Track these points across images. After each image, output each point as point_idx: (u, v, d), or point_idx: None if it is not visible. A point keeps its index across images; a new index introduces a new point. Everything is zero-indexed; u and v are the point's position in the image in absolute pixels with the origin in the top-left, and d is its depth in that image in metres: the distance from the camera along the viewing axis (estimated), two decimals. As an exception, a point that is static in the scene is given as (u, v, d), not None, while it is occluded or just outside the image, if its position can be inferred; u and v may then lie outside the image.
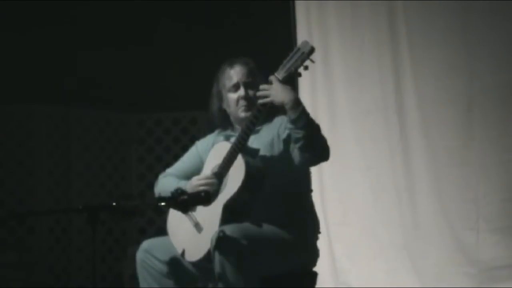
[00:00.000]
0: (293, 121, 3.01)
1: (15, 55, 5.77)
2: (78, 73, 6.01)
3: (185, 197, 2.87)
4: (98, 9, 5.94)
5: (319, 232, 3.31)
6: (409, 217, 4.87)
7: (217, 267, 2.98)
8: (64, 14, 5.97)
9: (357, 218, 5.07)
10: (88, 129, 6.23)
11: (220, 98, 3.34)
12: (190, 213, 3.16)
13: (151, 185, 3.59)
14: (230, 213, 3.11)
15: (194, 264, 3.18)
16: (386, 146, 4.99)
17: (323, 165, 4.78)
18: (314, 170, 3.46)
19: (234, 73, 3.29)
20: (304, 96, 5.24)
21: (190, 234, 3.20)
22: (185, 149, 3.57)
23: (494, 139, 4.61)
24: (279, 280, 3.16)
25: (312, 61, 3.04)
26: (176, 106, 6.23)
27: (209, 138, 3.44)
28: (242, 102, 3.26)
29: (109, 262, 6.18)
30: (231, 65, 3.32)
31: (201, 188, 3.12)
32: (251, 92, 3.25)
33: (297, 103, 3.03)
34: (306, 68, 3.06)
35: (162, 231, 3.39)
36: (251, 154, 3.18)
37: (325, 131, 3.13)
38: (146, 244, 3.26)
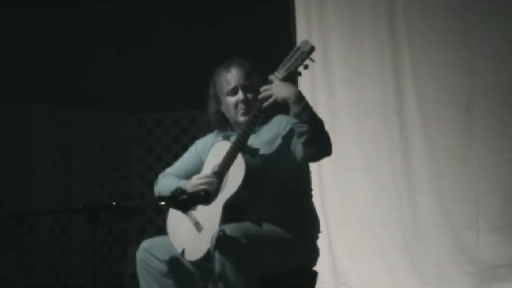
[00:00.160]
0: (296, 115, 3.01)
1: (15, 55, 5.78)
2: (78, 73, 6.01)
3: (185, 196, 2.87)
4: (98, 10, 5.95)
5: (319, 232, 3.31)
6: (409, 217, 4.87)
7: (217, 267, 2.98)
8: (64, 15, 5.98)
9: (357, 218, 5.07)
10: (88, 129, 6.24)
11: (218, 102, 3.34)
12: (190, 212, 3.16)
13: (151, 185, 3.59)
14: (230, 213, 3.11)
15: (194, 263, 3.18)
16: (386, 146, 4.99)
17: (323, 165, 4.81)
18: (314, 170, 3.47)
19: (232, 77, 3.29)
20: (304, 96, 5.24)
21: (190, 234, 3.20)
22: (185, 149, 3.57)
23: (494, 138, 4.61)
24: (279, 279, 3.16)
25: (312, 60, 3.05)
26: (176, 106, 6.23)
27: (209, 137, 3.44)
28: (241, 106, 3.26)
29: (109, 262, 6.18)
30: (228, 68, 3.31)
31: (201, 187, 3.12)
32: (249, 96, 3.26)
33: (300, 97, 3.03)
34: (306, 67, 3.06)
35: (162, 230, 3.39)
36: (251, 154, 3.18)
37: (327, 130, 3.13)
38: (146, 243, 3.26)
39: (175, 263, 3.20)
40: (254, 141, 3.23)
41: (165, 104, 6.23)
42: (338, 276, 5.07)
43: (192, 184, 3.18)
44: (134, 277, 3.57)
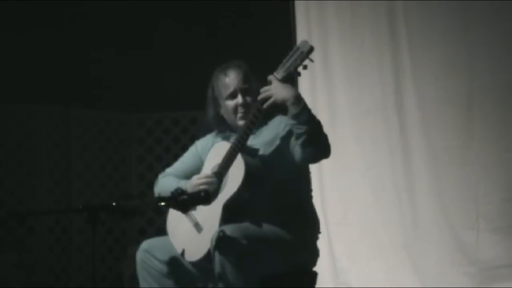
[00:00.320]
0: (295, 117, 3.01)
1: (15, 55, 5.77)
2: (78, 73, 6.01)
3: (185, 197, 2.87)
4: (98, 10, 5.95)
5: (319, 232, 3.31)
6: (409, 217, 4.87)
7: (217, 267, 2.98)
8: (64, 15, 5.98)
9: (357, 218, 5.07)
10: (88, 129, 6.24)
11: (217, 105, 3.34)
12: (189, 213, 3.16)
13: (151, 185, 3.59)
14: (230, 213, 3.11)
15: (194, 264, 3.18)
16: (386, 146, 4.99)
17: (323, 165, 4.81)
18: (314, 170, 3.46)
19: (230, 81, 3.29)
20: (304, 96, 5.12)
21: (190, 234, 3.20)
22: (185, 149, 3.57)
23: (494, 139, 4.61)
24: (279, 280, 3.16)
25: (311, 60, 3.04)
26: (176, 106, 6.23)
27: (209, 137, 3.44)
28: (241, 110, 3.26)
29: (109, 262, 6.18)
30: (225, 71, 3.31)
31: (201, 187, 3.12)
32: (248, 99, 3.26)
33: (298, 99, 3.03)
34: (305, 67, 3.06)
35: (162, 231, 3.39)
36: (250, 154, 3.19)
37: (325, 131, 3.13)
38: (146, 244, 3.26)
39: (175, 264, 3.20)
40: (253, 141, 3.23)
41: (165, 104, 6.23)
42: (338, 276, 5.07)
43: (192, 184, 3.18)
44: (134, 277, 3.57)
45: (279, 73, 3.07)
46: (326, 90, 5.23)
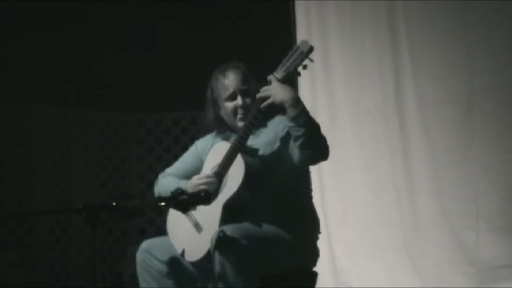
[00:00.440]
0: (293, 119, 3.01)
1: (15, 55, 5.77)
2: (78, 73, 6.01)
3: (185, 197, 2.87)
4: (98, 9, 5.95)
5: (319, 232, 3.31)
6: (409, 217, 4.87)
7: (217, 267, 2.98)
8: (64, 15, 5.97)
9: (357, 218, 5.07)
10: (88, 129, 6.24)
11: (216, 106, 3.34)
12: (189, 213, 3.16)
13: (151, 185, 3.59)
14: (229, 213, 3.11)
15: (194, 264, 3.18)
16: (386, 146, 4.99)
17: (323, 165, 4.79)
18: (314, 170, 3.46)
19: (229, 82, 3.28)
20: (304, 96, 5.23)
21: (190, 234, 3.20)
22: (185, 149, 3.57)
23: (494, 139, 4.61)
24: (279, 280, 3.16)
25: (311, 60, 3.04)
26: (176, 106, 6.23)
27: (209, 137, 3.44)
28: (240, 111, 3.26)
29: (109, 262, 6.18)
30: (224, 73, 3.30)
31: (201, 187, 3.12)
32: (248, 100, 3.26)
33: (297, 101, 3.02)
34: (305, 67, 3.06)
35: (162, 231, 3.39)
36: (250, 154, 3.19)
37: (325, 131, 3.12)
38: (146, 244, 3.26)
39: (175, 264, 3.20)
40: (253, 141, 3.23)
41: (165, 104, 6.23)
42: (338, 276, 5.07)
43: (192, 184, 3.18)
44: (134, 277, 3.57)
45: (279, 73, 3.07)
46: (326, 90, 5.23)
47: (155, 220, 6.21)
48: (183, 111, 6.33)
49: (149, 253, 3.22)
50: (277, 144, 3.21)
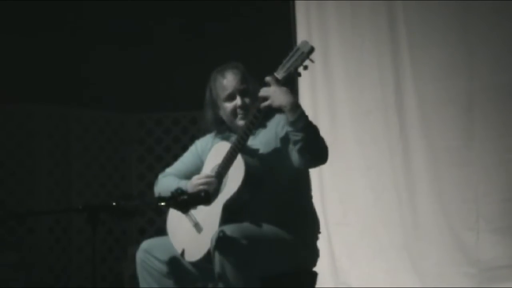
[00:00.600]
0: (291, 124, 3.01)
1: (15, 55, 5.77)
2: (78, 73, 6.00)
3: (185, 197, 2.86)
4: (98, 9, 5.95)
5: (319, 232, 3.31)
6: (409, 217, 4.87)
7: (217, 267, 2.98)
8: (64, 15, 5.97)
9: (357, 218, 5.07)
10: (88, 129, 6.24)
11: (215, 107, 3.34)
12: (189, 213, 3.16)
13: (151, 185, 3.58)
14: (229, 213, 3.11)
15: (194, 264, 3.18)
16: (386, 146, 4.99)
17: (323, 165, 4.81)
18: (314, 170, 3.46)
19: (228, 83, 3.28)
20: (304, 96, 5.24)
21: (190, 234, 3.20)
22: (185, 149, 3.57)
23: (494, 139, 4.61)
24: (279, 280, 3.16)
25: (312, 61, 3.04)
26: (176, 106, 6.23)
27: (209, 137, 3.44)
28: (240, 111, 3.26)
29: (109, 262, 6.18)
30: (223, 73, 3.30)
31: (201, 187, 3.12)
32: (247, 100, 3.26)
33: (295, 106, 3.02)
34: (305, 68, 3.05)
35: (162, 231, 3.39)
36: (250, 154, 3.19)
37: (325, 131, 3.13)
38: (146, 244, 3.26)
39: (175, 264, 3.20)
40: (253, 141, 3.23)
41: (165, 104, 6.23)
42: (338, 276, 5.07)
43: (192, 184, 3.18)
44: (134, 277, 3.57)
45: (279, 74, 3.06)
46: (326, 90, 5.23)
47: (155, 220, 6.21)
48: (183, 111, 6.33)
49: (149, 253, 3.22)
50: (277, 143, 3.20)
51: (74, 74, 5.99)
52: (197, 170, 3.34)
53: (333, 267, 5.07)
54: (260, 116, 3.11)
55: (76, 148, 6.15)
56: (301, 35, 5.26)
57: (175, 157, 3.58)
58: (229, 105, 3.28)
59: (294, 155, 3.07)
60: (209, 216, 3.13)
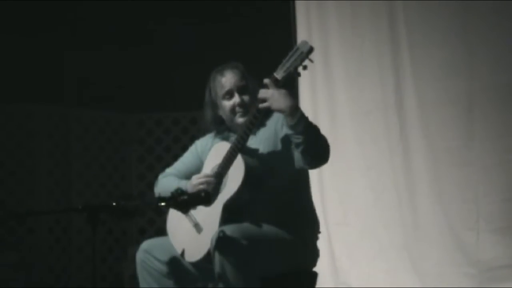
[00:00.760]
0: (291, 127, 3.00)
1: (15, 55, 5.77)
2: (78, 73, 6.01)
3: (185, 197, 2.86)
4: (98, 9, 5.95)
5: (319, 232, 3.31)
6: (409, 217, 4.87)
7: (217, 267, 2.98)
8: (64, 14, 5.97)
9: (357, 218, 5.07)
10: (88, 129, 6.24)
11: (215, 106, 3.33)
12: (189, 213, 3.16)
13: (151, 185, 3.58)
14: (229, 213, 3.11)
15: (194, 264, 3.18)
16: (386, 146, 4.99)
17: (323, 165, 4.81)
18: (314, 170, 3.46)
19: (226, 81, 3.28)
20: (304, 96, 5.24)
21: (190, 235, 3.20)
22: (185, 149, 3.57)
23: (494, 139, 4.61)
24: (279, 280, 3.16)
25: (311, 61, 3.03)
26: (176, 106, 6.23)
27: (208, 138, 3.44)
28: (239, 109, 3.26)
29: (109, 262, 6.18)
30: (222, 72, 3.30)
31: (201, 187, 3.12)
32: (245, 98, 3.25)
33: (295, 109, 3.01)
34: (305, 68, 3.04)
35: (162, 231, 3.39)
36: (250, 154, 3.18)
37: (325, 131, 3.12)
38: (146, 244, 3.26)
39: (175, 264, 3.20)
40: (252, 141, 3.23)
41: (165, 104, 6.23)
42: (338, 276, 5.07)
43: (192, 184, 3.17)
44: (134, 277, 3.57)
45: (279, 74, 3.05)
46: (327, 90, 5.23)
47: (155, 220, 6.21)
48: (183, 111, 6.33)
49: (149, 253, 3.21)
50: (276, 141, 3.20)
51: (74, 74, 5.99)
52: (197, 170, 3.34)
53: (333, 267, 5.07)
54: (259, 116, 3.11)
55: (76, 148, 6.16)
56: (301, 35, 5.26)
57: (175, 157, 3.58)
58: (227, 103, 3.28)
59: (297, 156, 3.07)
60: (209, 216, 3.13)
